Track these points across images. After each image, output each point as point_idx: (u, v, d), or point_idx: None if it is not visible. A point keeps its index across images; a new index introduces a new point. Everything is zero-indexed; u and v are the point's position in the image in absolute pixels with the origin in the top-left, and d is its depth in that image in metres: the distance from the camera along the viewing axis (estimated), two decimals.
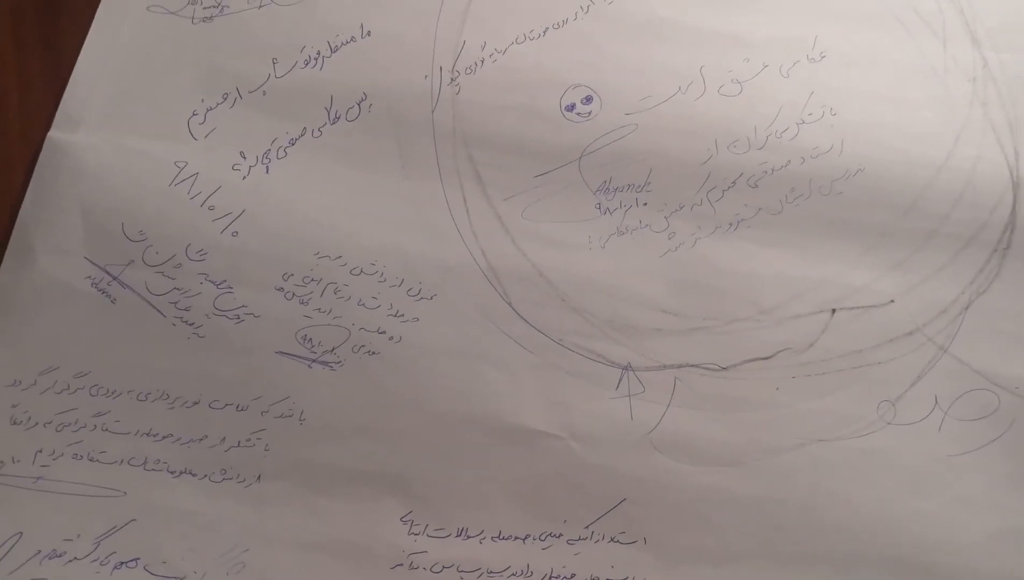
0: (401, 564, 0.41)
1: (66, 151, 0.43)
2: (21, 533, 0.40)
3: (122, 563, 0.40)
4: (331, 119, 0.44)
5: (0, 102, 0.45)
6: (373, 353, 0.41)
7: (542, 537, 0.41)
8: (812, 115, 0.45)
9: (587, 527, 0.41)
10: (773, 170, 0.44)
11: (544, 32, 0.46)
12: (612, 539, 0.41)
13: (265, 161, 0.43)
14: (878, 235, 0.43)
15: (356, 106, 0.44)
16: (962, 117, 0.45)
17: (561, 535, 0.41)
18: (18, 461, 0.40)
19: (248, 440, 0.41)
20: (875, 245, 0.43)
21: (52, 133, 0.43)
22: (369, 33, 0.45)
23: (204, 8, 0.46)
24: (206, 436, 0.41)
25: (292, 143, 0.44)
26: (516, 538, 0.41)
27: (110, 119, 0.44)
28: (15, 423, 0.40)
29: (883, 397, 0.42)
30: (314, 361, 0.41)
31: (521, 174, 0.44)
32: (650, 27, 0.46)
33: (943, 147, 0.44)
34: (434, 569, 0.41)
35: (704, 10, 0.46)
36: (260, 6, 0.46)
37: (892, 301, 0.42)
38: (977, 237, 0.43)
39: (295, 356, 0.41)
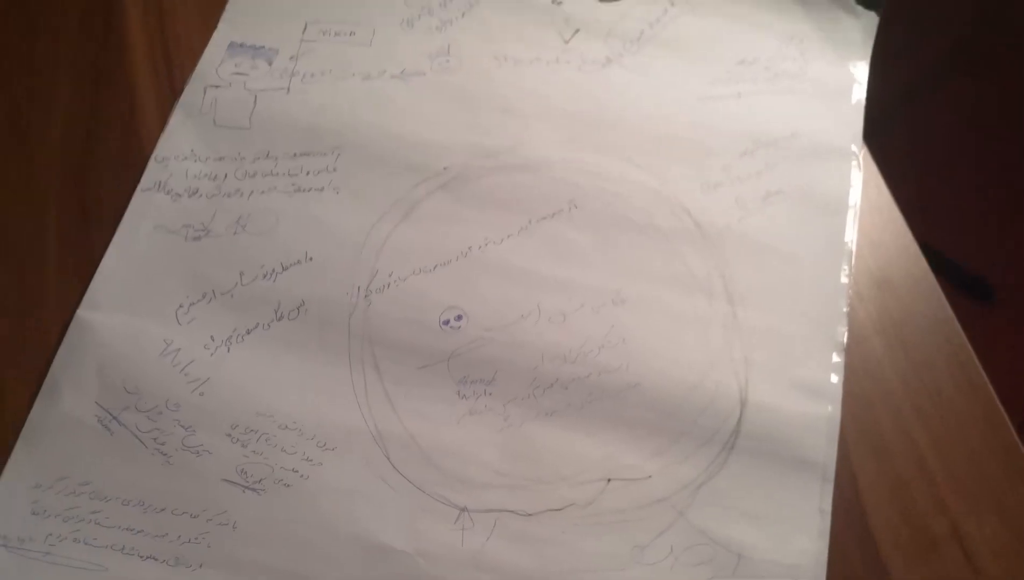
0: None
1: (89, 325, 0.56)
2: None
3: None
4: (277, 318, 0.58)
5: (45, 285, 0.58)
6: (288, 485, 0.52)
7: None
8: (610, 342, 0.58)
9: None
10: (580, 379, 0.56)
11: (434, 268, 0.61)
12: None
13: (227, 344, 0.57)
14: (647, 430, 0.55)
15: (296, 310, 0.58)
16: (714, 353, 0.60)
17: None
18: (34, 540, 0.50)
19: (196, 539, 0.51)
20: (644, 437, 0.55)
21: (80, 312, 0.56)
22: (311, 258, 0.61)
23: (195, 231, 0.61)
24: (167, 533, 0.51)
25: (248, 333, 0.57)
26: None
27: (122, 304, 0.57)
28: (34, 514, 0.51)
29: (636, 543, 0.52)
30: (246, 488, 0.52)
31: (407, 366, 0.56)
32: (508, 271, 0.59)
33: (698, 373, 0.57)
34: None
35: (546, 262, 0.62)
36: (235, 233, 0.62)
37: (650, 477, 0.54)
38: (713, 438, 0.55)
39: (234, 483, 0.52)
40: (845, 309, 0.63)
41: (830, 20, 0.73)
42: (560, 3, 0.71)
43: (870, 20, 0.74)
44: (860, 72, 0.71)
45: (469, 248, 0.60)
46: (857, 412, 0.58)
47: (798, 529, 0.55)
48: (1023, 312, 1.44)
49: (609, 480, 0.54)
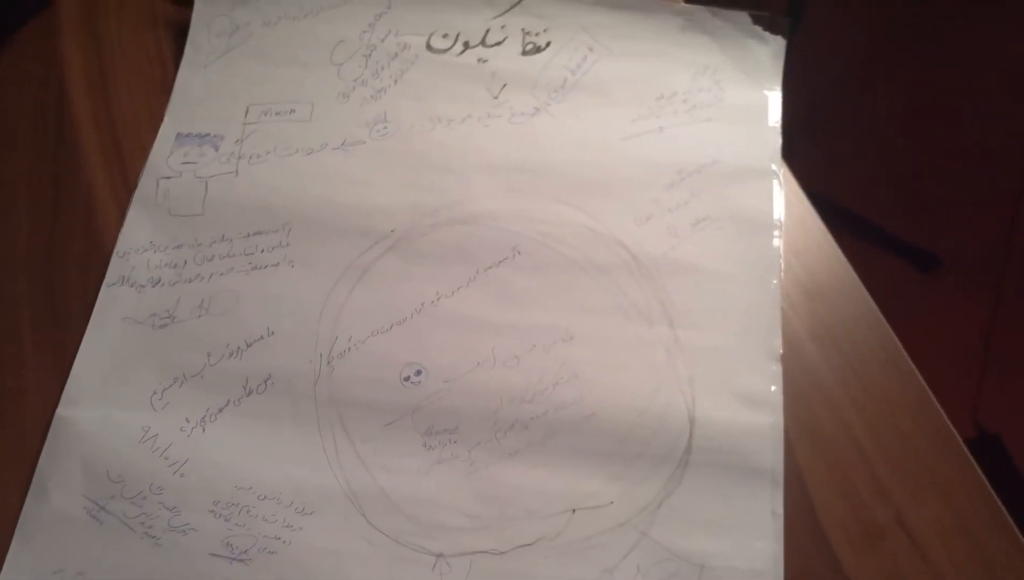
0: None
1: (70, 422, 0.58)
2: None
3: None
4: (246, 393, 0.60)
5: (24, 385, 0.60)
6: (272, 552, 0.55)
7: None
8: (563, 378, 0.61)
9: None
10: (538, 417, 0.59)
11: (391, 327, 0.65)
12: None
13: (202, 424, 0.59)
14: (605, 457, 0.58)
15: (263, 383, 0.60)
16: (659, 376, 0.63)
17: None
18: None
19: None
20: (603, 464, 0.58)
21: (60, 410, 0.58)
22: (273, 333, 0.64)
23: (161, 319, 0.64)
24: None
25: (220, 411, 0.59)
26: None
27: (99, 398, 0.59)
28: None
29: (604, 567, 0.55)
30: (233, 559, 0.54)
31: (374, 424, 0.59)
32: (461, 322, 0.62)
33: (646, 397, 0.60)
34: None
35: (496, 309, 0.65)
36: (199, 316, 0.65)
37: (612, 502, 0.57)
38: (667, 458, 0.58)
39: (221, 556, 0.54)
40: (778, 320, 0.66)
41: (740, 48, 0.77)
42: (486, 61, 0.75)
43: (778, 44, 0.78)
44: (773, 94, 0.75)
45: (422, 304, 0.63)
46: (800, 414, 0.61)
47: (754, 534, 0.59)
48: (965, 277, 1.51)
49: (574, 510, 0.57)
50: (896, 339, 0.62)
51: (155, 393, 0.59)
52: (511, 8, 0.78)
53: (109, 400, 0.59)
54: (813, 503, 0.58)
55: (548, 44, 0.77)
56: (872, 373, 0.62)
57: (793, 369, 0.62)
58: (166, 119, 0.72)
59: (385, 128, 0.73)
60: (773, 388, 0.63)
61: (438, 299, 0.65)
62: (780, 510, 0.60)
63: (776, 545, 0.59)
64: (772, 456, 0.61)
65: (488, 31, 0.77)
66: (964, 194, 1.62)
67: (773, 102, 0.75)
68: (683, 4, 0.78)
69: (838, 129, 1.64)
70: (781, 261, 0.69)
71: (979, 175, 1.63)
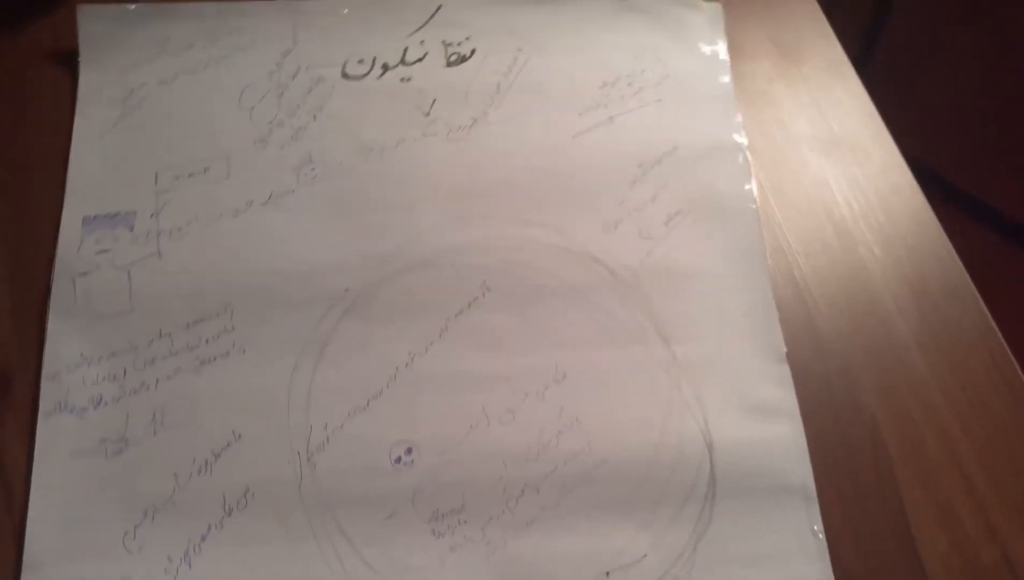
0: None
1: None
2: None
3: None
4: (227, 512, 0.55)
5: None
6: None
7: None
8: (565, 426, 0.57)
9: None
10: (547, 475, 0.55)
11: (368, 403, 0.59)
12: None
13: (187, 560, 0.55)
14: (627, 506, 0.54)
15: (243, 497, 0.55)
16: (665, 402, 0.60)
17: None
18: None
19: None
20: (626, 513, 0.54)
21: (24, 578, 0.51)
22: (240, 436, 0.58)
23: (113, 444, 0.57)
24: None
25: (203, 539, 0.55)
26: None
27: (64, 554, 0.52)
28: None
29: None
30: None
31: (374, 522, 0.54)
32: (442, 381, 0.58)
33: (656, 428, 0.58)
34: None
35: (477, 358, 0.60)
36: (154, 433, 0.58)
37: (645, 555, 0.53)
38: (692, 494, 0.55)
39: None
40: (775, 314, 0.62)
41: (676, 22, 0.72)
42: (409, 79, 0.69)
43: (714, 10, 0.74)
44: (720, 64, 0.70)
45: (396, 369, 0.59)
46: (905, 434, 0.59)
47: (800, 559, 0.56)
48: None
49: (608, 573, 0.54)
50: (1010, 354, 0.59)
51: (127, 534, 0.53)
52: (426, 22, 0.72)
53: (76, 553, 0.52)
54: (912, 533, 0.55)
55: (473, 52, 0.71)
56: (982, 391, 0.59)
57: (897, 380, 0.60)
58: (67, 202, 0.64)
59: (313, 170, 0.66)
60: (785, 391, 0.61)
61: (411, 360, 0.61)
62: (820, 527, 0.57)
63: (822, 565, 0.56)
64: (799, 468, 0.59)
65: (406, 49, 0.71)
66: None
67: (722, 71, 0.70)
68: None
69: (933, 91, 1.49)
70: (765, 244, 0.66)
71: None
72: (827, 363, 0.60)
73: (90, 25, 0.67)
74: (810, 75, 0.67)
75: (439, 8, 0.71)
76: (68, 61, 0.66)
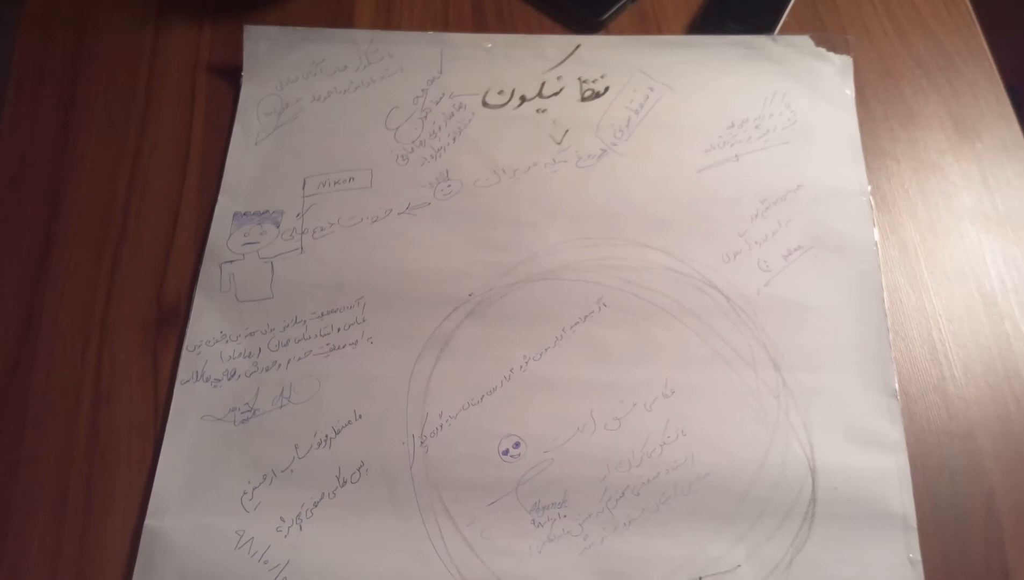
0: None
1: (159, 533, 0.55)
2: None
3: None
4: (340, 484, 0.58)
5: (111, 498, 0.60)
6: None
7: None
8: (670, 437, 0.60)
9: None
10: (648, 481, 0.58)
11: (481, 398, 0.62)
12: None
13: (299, 522, 0.58)
14: (725, 518, 0.56)
15: (357, 471, 0.59)
16: (772, 425, 0.61)
17: None
18: None
19: None
20: (724, 526, 0.56)
21: (148, 522, 0.56)
22: (360, 417, 0.62)
23: (241, 414, 0.62)
24: None
25: (315, 505, 0.58)
26: None
27: (187, 505, 0.57)
28: None
29: None
30: None
31: (477, 505, 0.57)
32: (554, 385, 0.61)
33: (762, 449, 0.60)
34: None
35: (589, 367, 0.63)
36: (281, 406, 0.63)
37: (739, 566, 0.55)
38: (792, 511, 0.56)
39: None
40: (889, 350, 0.61)
41: (806, 71, 0.74)
42: (545, 111, 0.73)
43: (844, 62, 0.75)
44: (848, 114, 0.72)
45: (511, 370, 0.61)
46: (1020, 505, 0.58)
47: None
48: None
49: (701, 578, 0.55)
50: None
51: (245, 493, 0.57)
52: (564, 60, 0.76)
53: (198, 506, 0.57)
54: None
55: (607, 89, 0.74)
56: None
57: (1022, 454, 0.59)
58: (220, 199, 0.70)
59: (449, 186, 0.70)
60: (894, 424, 0.60)
61: (526, 363, 0.63)
62: (918, 556, 0.57)
63: None
64: (902, 499, 0.59)
65: (544, 83, 0.75)
66: None
67: (849, 119, 0.71)
68: (740, 36, 0.76)
69: None
70: (884, 286, 0.65)
71: None
72: (951, 425, 0.60)
73: (254, 44, 0.73)
74: (983, 153, 0.68)
75: (577, 47, 0.75)
76: (230, 74, 0.73)
